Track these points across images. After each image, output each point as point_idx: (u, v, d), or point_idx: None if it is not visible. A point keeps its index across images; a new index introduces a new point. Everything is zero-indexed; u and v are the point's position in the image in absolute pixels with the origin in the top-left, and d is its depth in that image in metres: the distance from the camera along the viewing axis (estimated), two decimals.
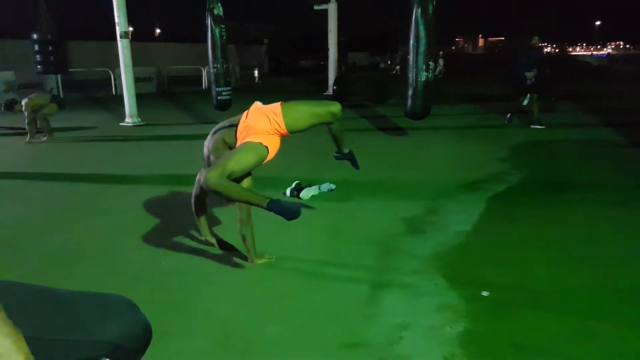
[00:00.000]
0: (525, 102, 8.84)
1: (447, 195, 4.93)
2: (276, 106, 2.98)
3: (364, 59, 54.12)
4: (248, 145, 2.87)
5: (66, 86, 16.67)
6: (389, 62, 50.23)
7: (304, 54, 45.23)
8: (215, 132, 3.12)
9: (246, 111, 3.05)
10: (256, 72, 23.12)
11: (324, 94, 16.94)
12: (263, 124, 2.91)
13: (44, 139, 8.38)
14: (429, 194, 4.93)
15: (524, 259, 3.39)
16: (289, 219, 2.62)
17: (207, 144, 3.15)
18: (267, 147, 2.90)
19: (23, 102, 7.93)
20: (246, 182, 3.14)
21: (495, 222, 4.15)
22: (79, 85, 18.90)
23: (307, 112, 3.03)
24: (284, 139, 3.06)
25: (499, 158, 6.60)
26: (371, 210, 4.52)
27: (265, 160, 2.95)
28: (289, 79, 26.55)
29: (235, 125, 3.00)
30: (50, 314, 1.03)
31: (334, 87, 15.48)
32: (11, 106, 8.04)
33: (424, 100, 7.28)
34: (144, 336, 1.13)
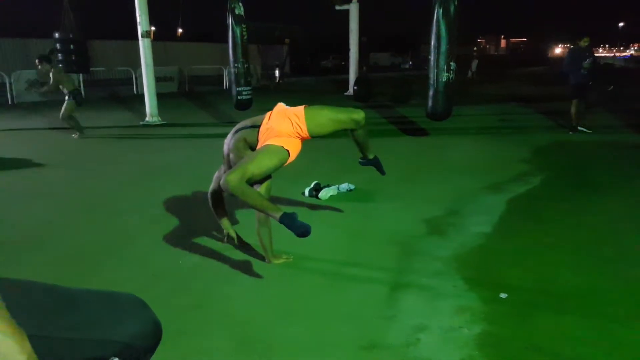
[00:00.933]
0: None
1: (468, 196, 4.86)
2: (299, 109, 2.97)
3: (386, 60, 53.95)
4: (269, 148, 2.87)
5: (88, 85, 17.01)
6: (410, 63, 49.94)
7: (326, 54, 45.27)
8: (237, 132, 3.12)
9: (269, 112, 3.05)
10: (277, 72, 23.16)
11: (345, 94, 16.90)
12: (285, 127, 2.90)
13: (75, 136, 8.55)
14: (450, 195, 4.87)
15: (545, 261, 3.33)
16: (298, 235, 2.59)
17: (228, 142, 3.16)
18: (288, 150, 2.89)
19: (51, 74, 8.05)
20: (265, 185, 3.16)
21: (516, 224, 4.08)
22: (102, 84, 19.26)
23: (330, 117, 3.01)
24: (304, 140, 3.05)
25: (523, 159, 6.49)
26: (391, 211, 4.48)
27: (286, 164, 2.95)
28: (310, 79, 26.58)
29: (258, 126, 3.00)
30: (59, 312, 1.03)
31: (355, 88, 15.44)
32: (42, 62, 8.05)
33: (445, 101, 7.19)
34: (154, 335, 1.13)
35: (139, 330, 1.08)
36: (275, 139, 2.90)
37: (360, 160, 3.58)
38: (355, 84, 15.51)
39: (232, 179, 2.64)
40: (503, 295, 2.84)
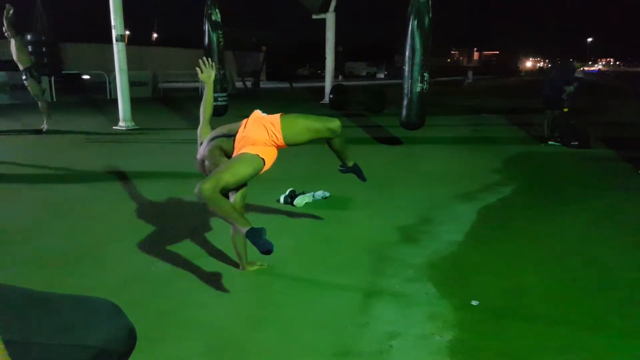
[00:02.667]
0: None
1: (440, 205, 4.94)
2: (275, 118, 2.97)
3: (362, 69, 54.54)
4: (244, 156, 2.86)
5: (60, 88, 16.63)
6: (385, 73, 50.62)
7: (303, 62, 45.45)
8: (212, 139, 3.10)
9: (245, 120, 3.04)
10: (252, 79, 23.12)
11: (321, 102, 16.99)
12: (261, 135, 2.90)
13: (44, 127, 8.56)
14: (423, 204, 4.95)
15: (515, 269, 3.40)
16: (261, 252, 2.58)
17: (203, 149, 3.13)
18: (263, 159, 2.88)
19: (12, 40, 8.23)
20: (240, 192, 3.15)
21: (487, 233, 4.17)
22: (75, 88, 18.85)
23: (306, 126, 3.01)
24: None
25: (494, 169, 6.64)
26: (365, 218, 4.52)
27: (262, 172, 2.94)
28: (286, 87, 26.61)
29: (234, 134, 2.99)
30: (31, 317, 1.01)
31: (330, 96, 15.54)
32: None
33: (419, 111, 7.33)
34: (129, 341, 1.11)
35: (114, 336, 1.07)
36: (251, 147, 2.89)
37: (339, 167, 3.59)
38: (331, 92, 15.62)
39: (206, 188, 2.62)
40: (474, 303, 2.89)
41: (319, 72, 16.95)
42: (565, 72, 8.71)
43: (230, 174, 2.75)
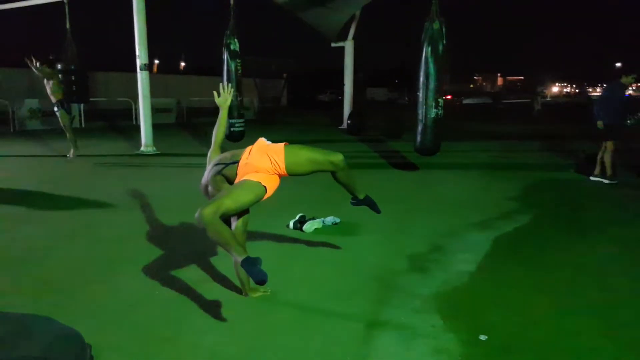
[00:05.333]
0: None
1: (453, 233, 4.83)
2: (279, 147, 2.98)
3: (383, 95, 54.77)
4: (246, 184, 2.87)
5: (88, 115, 17.15)
6: (407, 99, 50.75)
7: (323, 88, 46.01)
8: (216, 165, 3.12)
9: (250, 147, 3.06)
10: (272, 105, 23.49)
11: (339, 127, 17.06)
12: (264, 164, 2.91)
13: (70, 156, 8.88)
14: (436, 231, 4.84)
15: (529, 302, 3.27)
16: (255, 282, 2.56)
17: (207, 174, 3.16)
18: (265, 187, 2.89)
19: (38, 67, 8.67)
20: (242, 219, 3.15)
21: (501, 263, 4.03)
22: (103, 115, 19.41)
23: (308, 158, 3.01)
24: None
25: (512, 197, 6.49)
26: (374, 245, 4.44)
27: (263, 199, 2.93)
28: (306, 113, 26.89)
29: (237, 161, 3.00)
30: None
31: (348, 121, 15.61)
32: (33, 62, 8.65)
33: (434, 136, 7.26)
34: (70, 346, 1.10)
35: (50, 344, 1.05)
36: (253, 175, 2.90)
37: (351, 201, 3.53)
38: (349, 117, 15.70)
39: (207, 213, 2.61)
40: (483, 337, 2.78)
41: (340, 98, 17.08)
42: (616, 90, 7.53)
43: (231, 200, 2.74)
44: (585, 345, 2.73)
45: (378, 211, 3.50)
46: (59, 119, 9.08)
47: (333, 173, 3.15)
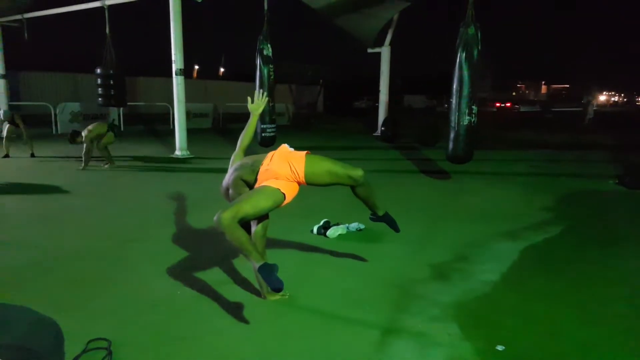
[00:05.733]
0: None
1: (480, 242, 4.73)
2: (301, 155, 3.02)
3: (421, 102, 54.17)
4: (266, 189, 2.91)
5: (128, 119, 17.78)
6: (446, 105, 50.02)
7: (359, 95, 45.96)
8: (237, 169, 3.19)
9: (272, 152, 3.11)
10: (308, 111, 23.66)
11: (373, 134, 17.01)
12: (284, 170, 2.96)
13: (106, 166, 8.92)
14: (462, 240, 4.75)
15: (552, 314, 3.16)
16: (271, 288, 2.62)
17: (228, 177, 3.22)
18: (284, 193, 2.93)
19: (83, 134, 8.52)
20: (262, 224, 3.19)
21: (527, 274, 3.92)
22: (141, 119, 20.07)
23: (328, 169, 3.04)
24: None
25: (544, 207, 6.29)
26: (398, 252, 4.40)
27: (281, 205, 2.97)
28: (342, 119, 26.92)
29: (258, 166, 3.05)
30: None
31: (382, 128, 15.54)
32: (74, 139, 8.58)
33: (466, 145, 7.12)
34: (48, 334, 1.13)
35: (28, 331, 1.09)
36: (273, 181, 2.95)
37: (370, 216, 3.55)
38: (383, 124, 15.62)
39: (225, 217, 2.67)
40: (500, 348, 2.71)
41: (376, 104, 17.01)
42: None
43: (250, 205, 2.79)
44: (608, 359, 2.62)
45: (397, 230, 3.51)
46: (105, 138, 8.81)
47: (352, 188, 3.17)
